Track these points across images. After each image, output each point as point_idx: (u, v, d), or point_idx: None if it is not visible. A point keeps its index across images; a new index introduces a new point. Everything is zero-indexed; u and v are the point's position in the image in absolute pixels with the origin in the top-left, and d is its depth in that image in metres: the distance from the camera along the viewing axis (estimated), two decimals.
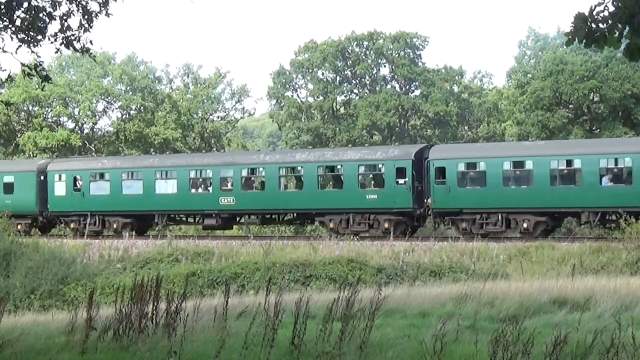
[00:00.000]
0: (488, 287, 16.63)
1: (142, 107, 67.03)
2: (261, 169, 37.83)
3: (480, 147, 41.49)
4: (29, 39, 12.16)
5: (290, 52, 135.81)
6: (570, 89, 55.54)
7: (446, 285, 20.36)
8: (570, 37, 7.10)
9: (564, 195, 32.28)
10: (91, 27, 12.27)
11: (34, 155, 59.69)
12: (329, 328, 9.45)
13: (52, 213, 41.90)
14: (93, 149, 64.74)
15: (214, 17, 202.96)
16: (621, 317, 10.12)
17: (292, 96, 69.12)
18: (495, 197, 33.08)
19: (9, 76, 12.98)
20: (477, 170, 34.03)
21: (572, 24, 7.02)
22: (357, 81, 68.65)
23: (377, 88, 66.92)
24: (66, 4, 12.16)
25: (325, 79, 67.57)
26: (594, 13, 6.96)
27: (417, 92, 66.80)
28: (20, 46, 12.25)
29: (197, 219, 40.36)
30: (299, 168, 37.56)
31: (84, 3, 12.21)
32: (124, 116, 68.02)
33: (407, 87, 67.58)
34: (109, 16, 12.30)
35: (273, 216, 39.09)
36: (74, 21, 12.27)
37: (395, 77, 66.90)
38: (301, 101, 69.05)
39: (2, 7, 12.03)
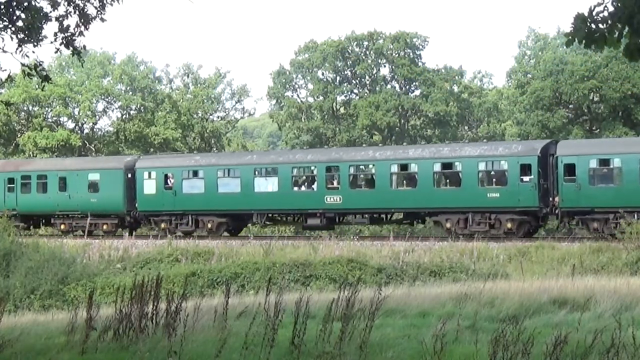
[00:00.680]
0: (488, 287, 16.64)
1: (142, 107, 67.04)
2: (371, 165, 36.43)
3: (612, 142, 38.51)
4: (29, 39, 12.17)
5: (290, 52, 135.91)
6: (570, 89, 55.55)
7: (446, 285, 20.36)
8: (570, 37, 7.10)
9: None
10: (87, 29, 12.30)
11: (34, 155, 59.64)
12: (329, 328, 9.45)
13: (140, 212, 40.01)
14: (93, 149, 64.74)
15: (214, 17, 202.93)
16: (621, 317, 10.11)
17: (292, 96, 69.15)
18: (633, 195, 31.17)
19: (9, 76, 12.99)
20: (612, 166, 32.23)
21: (571, 25, 7.03)
22: (357, 81, 68.66)
23: (377, 88, 66.92)
24: (64, 5, 12.18)
25: (325, 79, 67.59)
26: (594, 13, 6.97)
27: (417, 92, 66.82)
28: (20, 46, 12.26)
29: (297, 218, 38.76)
30: (413, 165, 35.40)
31: (81, 5, 12.22)
32: (124, 116, 68.03)
33: (407, 87, 67.59)
34: (103, 21, 12.34)
35: (381, 216, 37.18)
36: (72, 22, 12.30)
37: (395, 77, 66.91)
38: (301, 101, 69.06)
39: (2, 7, 12.04)
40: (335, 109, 68.63)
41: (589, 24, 6.95)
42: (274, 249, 32.30)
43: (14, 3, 12.08)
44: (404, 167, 35.75)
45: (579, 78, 55.39)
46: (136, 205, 39.87)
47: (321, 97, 66.81)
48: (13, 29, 12.13)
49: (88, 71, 65.63)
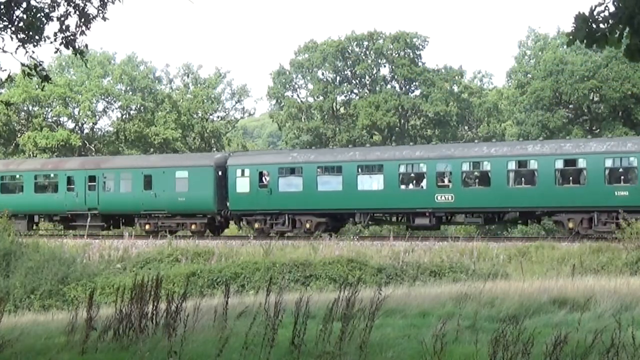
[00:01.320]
0: (488, 287, 16.64)
1: (142, 107, 67.05)
2: (486, 162, 34.18)
3: None
4: (29, 39, 12.17)
5: (290, 52, 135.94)
6: (570, 89, 55.57)
7: (446, 285, 20.36)
8: (570, 37, 7.09)
9: None
10: (88, 29, 12.29)
11: (34, 155, 59.64)
12: (329, 328, 9.45)
13: (232, 212, 38.11)
14: (93, 149, 64.74)
15: (214, 17, 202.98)
16: (621, 317, 10.12)
17: (292, 96, 69.17)
18: None
19: (9, 76, 12.98)
20: None
21: (572, 25, 7.02)
22: (357, 81, 68.67)
23: (377, 88, 66.94)
24: (64, 5, 12.17)
25: (325, 79, 67.61)
26: (595, 13, 6.96)
27: (417, 92, 66.84)
28: (20, 46, 12.26)
29: (401, 218, 36.83)
30: (532, 162, 33.46)
31: (81, 5, 12.22)
32: (124, 116, 68.03)
33: (407, 87, 67.61)
34: (105, 20, 12.32)
35: (494, 215, 35.15)
36: (72, 22, 12.30)
37: (395, 77, 66.92)
38: (301, 101, 69.07)
39: (2, 7, 12.03)
40: (335, 109, 68.65)
41: (589, 24, 6.94)
42: (274, 249, 32.29)
43: (14, 3, 12.08)
44: (522, 164, 33.97)
45: (579, 78, 55.41)
46: (227, 204, 38.00)
47: (321, 97, 66.82)
48: (13, 29, 12.13)
49: (88, 71, 65.61)
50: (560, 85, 56.26)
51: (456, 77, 67.63)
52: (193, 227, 38.74)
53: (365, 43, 67.05)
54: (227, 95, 74.13)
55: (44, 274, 28.38)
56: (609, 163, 32.29)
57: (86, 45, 12.56)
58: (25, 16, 12.08)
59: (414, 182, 35.57)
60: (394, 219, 37.52)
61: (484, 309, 13.98)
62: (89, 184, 40.79)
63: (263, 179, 37.50)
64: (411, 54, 66.20)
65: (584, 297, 14.79)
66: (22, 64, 12.72)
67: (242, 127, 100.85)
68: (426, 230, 37.11)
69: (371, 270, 27.25)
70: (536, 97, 57.20)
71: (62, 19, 12.21)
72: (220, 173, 38.24)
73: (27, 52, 12.25)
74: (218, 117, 73.95)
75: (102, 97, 66.43)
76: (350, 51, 67.25)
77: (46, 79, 12.70)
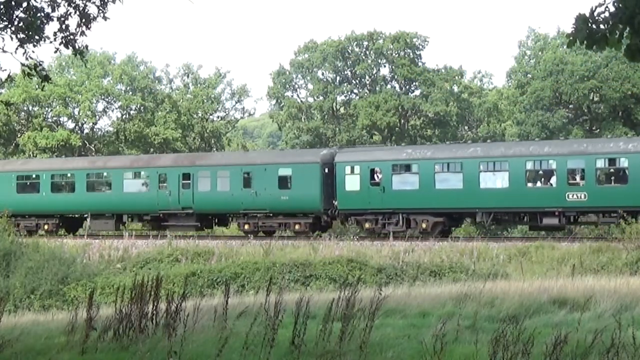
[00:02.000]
0: (488, 287, 16.65)
1: (142, 107, 67.03)
2: (623, 159, 32.19)
3: None
4: (28, 39, 12.17)
5: (290, 52, 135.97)
6: (570, 89, 55.59)
7: (446, 285, 20.37)
8: (571, 38, 7.09)
9: None
10: (89, 29, 12.30)
11: (34, 155, 59.64)
12: (329, 328, 9.46)
13: (340, 211, 35.99)
14: (93, 149, 64.73)
15: (214, 17, 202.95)
16: (621, 317, 10.12)
17: (292, 96, 69.16)
18: None
19: (9, 76, 12.99)
20: None
21: (572, 25, 7.02)
22: (357, 81, 68.67)
23: (377, 88, 66.94)
24: (64, 6, 12.18)
25: (325, 79, 67.60)
26: (595, 14, 6.96)
27: (417, 92, 66.81)
28: (19, 46, 12.27)
29: (526, 217, 34.59)
30: None
31: (82, 5, 12.22)
32: (124, 116, 68.02)
33: (407, 87, 67.59)
34: (105, 20, 12.32)
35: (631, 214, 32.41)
36: (72, 22, 12.30)
37: (395, 77, 66.91)
38: (301, 101, 69.07)
39: (2, 7, 12.04)
40: (335, 109, 68.65)
41: (590, 25, 6.94)
42: (274, 249, 32.29)
43: (14, 3, 12.08)
44: None
45: (579, 78, 55.43)
46: (334, 203, 35.97)
47: (321, 97, 66.82)
48: (13, 28, 12.13)
49: (88, 71, 65.61)
50: (560, 85, 56.29)
51: (456, 77, 67.61)
52: (297, 227, 36.80)
53: (365, 43, 67.04)
54: (227, 95, 74.15)
55: (44, 274, 28.39)
56: None
57: (86, 46, 12.57)
58: (25, 16, 12.08)
59: (542, 179, 33.94)
60: (518, 218, 35.45)
61: (484, 309, 13.99)
62: (183, 181, 38.71)
63: (375, 176, 35.70)
64: (411, 54, 66.18)
65: (584, 297, 14.79)
66: (22, 64, 12.72)
67: (242, 127, 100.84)
68: (553, 230, 35.57)
69: (371, 270, 27.26)
70: (536, 97, 57.23)
71: (63, 19, 12.22)
72: (326, 170, 36.36)
73: (26, 52, 12.25)
74: (218, 117, 73.94)
75: (102, 97, 66.41)
76: (350, 51, 67.25)
77: (46, 78, 12.71)
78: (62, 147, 61.33)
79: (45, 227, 41.11)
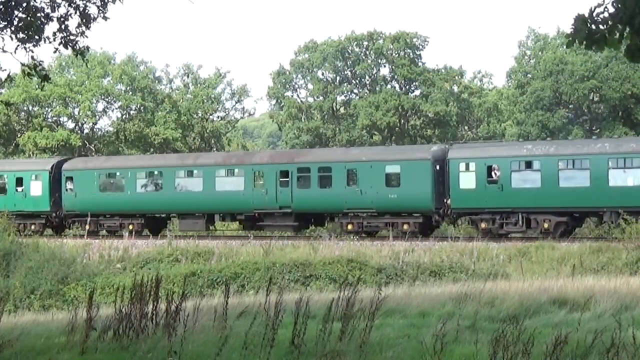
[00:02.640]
0: (488, 287, 16.65)
1: (142, 107, 67.03)
2: None
3: None
4: (28, 38, 12.18)
5: (290, 52, 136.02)
6: (570, 89, 55.63)
7: (446, 285, 20.37)
8: (570, 38, 7.09)
9: None
10: (89, 29, 12.31)
11: (34, 155, 59.63)
12: (329, 328, 9.45)
13: (454, 210, 34.22)
14: (93, 149, 64.74)
15: (214, 17, 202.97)
16: (621, 317, 10.13)
17: (292, 96, 69.18)
18: None
19: (9, 76, 12.99)
20: None
21: (572, 26, 7.01)
22: (357, 81, 68.69)
23: (377, 88, 66.95)
24: (64, 6, 12.18)
25: (325, 79, 67.62)
26: (594, 14, 6.95)
27: (417, 92, 66.84)
28: (19, 46, 12.27)
29: None
30: None
31: (82, 6, 12.23)
32: (124, 116, 68.02)
33: (407, 87, 67.61)
34: (106, 20, 12.33)
35: None
36: (73, 23, 12.31)
37: (395, 77, 66.93)
38: (301, 101, 69.08)
39: (1, 6, 12.04)
40: (335, 109, 68.66)
41: (589, 25, 6.94)
42: (274, 249, 32.28)
43: (14, 3, 12.08)
44: None
45: (579, 78, 55.46)
46: (446, 201, 34.32)
47: (321, 97, 66.84)
48: (12, 28, 12.13)
49: (88, 71, 65.62)
50: (560, 85, 56.32)
51: (456, 77, 67.65)
52: (405, 227, 34.90)
53: (365, 43, 67.06)
54: (227, 95, 74.16)
55: (44, 274, 28.38)
56: None
57: (87, 47, 12.57)
58: (24, 16, 12.09)
59: None
60: None
61: (484, 309, 13.98)
62: (281, 179, 36.96)
63: (492, 173, 33.89)
64: (411, 54, 66.21)
65: (584, 297, 14.80)
66: (22, 64, 12.73)
67: (242, 127, 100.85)
68: None
69: (371, 270, 27.25)
70: (536, 97, 57.26)
71: (63, 19, 12.22)
72: (437, 167, 34.69)
73: (28, 50, 12.25)
74: (218, 117, 73.95)
75: (102, 97, 66.41)
76: (350, 51, 67.27)
77: (46, 78, 12.70)
78: (62, 147, 61.33)
79: (130, 227, 39.30)
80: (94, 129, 68.91)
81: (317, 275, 26.91)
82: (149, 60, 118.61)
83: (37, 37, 12.19)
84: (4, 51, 12.54)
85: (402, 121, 67.25)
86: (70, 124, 67.01)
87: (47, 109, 65.49)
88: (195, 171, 39.30)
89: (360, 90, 68.84)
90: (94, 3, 12.28)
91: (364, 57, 66.99)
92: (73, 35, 12.30)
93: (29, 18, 12.04)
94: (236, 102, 74.45)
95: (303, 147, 63.39)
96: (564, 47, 59.12)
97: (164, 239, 35.88)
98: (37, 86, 58.24)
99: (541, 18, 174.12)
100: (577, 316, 12.03)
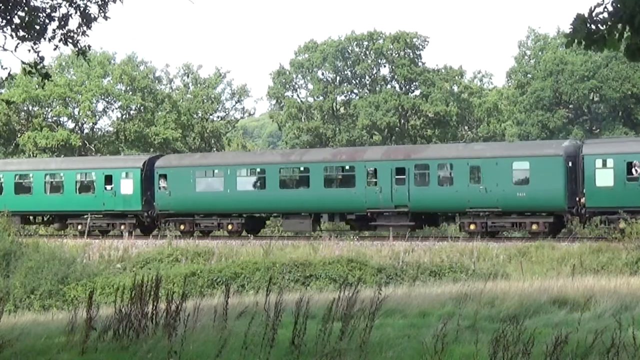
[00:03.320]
0: (488, 287, 16.66)
1: (142, 107, 67.02)
2: None
3: None
4: (29, 37, 12.17)
5: (290, 52, 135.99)
6: (570, 89, 55.63)
7: (446, 285, 20.37)
8: (569, 38, 7.08)
9: None
10: (90, 28, 12.30)
11: (34, 155, 59.63)
12: (329, 328, 9.45)
13: (588, 209, 32.18)
14: (93, 149, 64.74)
15: (214, 17, 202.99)
16: (621, 317, 10.13)
17: (292, 96, 69.16)
18: None
19: (9, 74, 12.97)
20: None
21: (571, 26, 7.01)
22: (357, 81, 68.68)
23: (377, 88, 66.94)
24: (65, 6, 12.18)
25: (325, 79, 67.61)
26: (593, 14, 6.95)
27: (417, 92, 66.83)
28: (19, 44, 12.26)
29: None
30: None
31: (82, 5, 12.23)
32: (124, 116, 68.01)
33: (407, 87, 67.60)
34: (106, 19, 12.32)
35: None
36: (73, 22, 12.30)
37: (395, 77, 66.92)
38: (301, 101, 69.08)
39: (1, 5, 12.03)
40: (335, 109, 68.66)
41: (588, 25, 6.93)
42: (274, 249, 32.29)
43: (14, 3, 12.08)
44: None
45: (579, 78, 55.46)
46: (579, 200, 32.46)
47: (321, 97, 66.83)
48: (12, 26, 12.12)
49: (88, 71, 65.62)
50: (560, 85, 56.32)
51: (456, 77, 67.64)
52: (534, 227, 33.17)
53: (365, 43, 67.04)
54: (227, 95, 74.16)
55: (44, 274, 28.41)
56: None
57: (89, 46, 12.56)
58: (24, 15, 12.08)
59: None
60: None
61: (484, 309, 13.99)
62: (396, 177, 35.07)
63: (633, 170, 31.92)
64: (411, 54, 66.19)
65: (584, 297, 14.81)
66: (23, 62, 12.72)
67: (242, 127, 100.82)
68: None
69: (371, 270, 27.28)
70: (536, 97, 57.26)
71: (63, 19, 12.22)
72: (570, 164, 32.88)
73: (30, 50, 12.25)
74: (218, 117, 73.96)
75: (102, 97, 66.37)
76: (350, 51, 67.25)
77: (46, 76, 12.68)
78: (62, 147, 61.32)
79: (229, 227, 37.83)
80: (94, 129, 68.91)
81: (317, 275, 26.95)
82: (149, 60, 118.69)
83: (37, 35, 12.18)
84: (4, 49, 12.53)
85: (402, 121, 67.24)
86: (70, 124, 67.01)
87: (47, 108, 65.48)
88: (301, 168, 37.66)
89: (360, 90, 68.83)
90: (95, 2, 12.27)
91: (364, 57, 66.99)
92: (74, 32, 12.29)
93: (29, 17, 12.03)
94: (236, 102, 74.50)
95: (303, 147, 63.37)
96: (564, 47, 59.13)
97: (163, 239, 35.87)
98: (37, 86, 58.23)
99: (541, 18, 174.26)
100: (577, 316, 12.03)
